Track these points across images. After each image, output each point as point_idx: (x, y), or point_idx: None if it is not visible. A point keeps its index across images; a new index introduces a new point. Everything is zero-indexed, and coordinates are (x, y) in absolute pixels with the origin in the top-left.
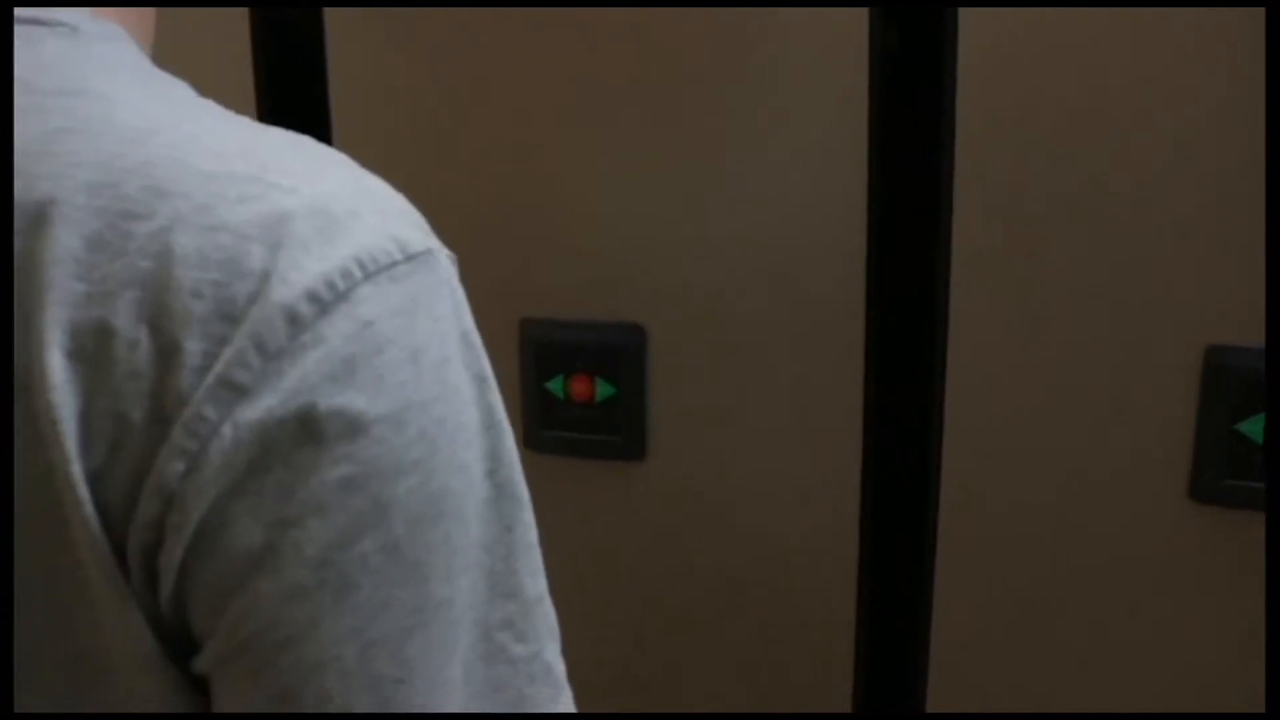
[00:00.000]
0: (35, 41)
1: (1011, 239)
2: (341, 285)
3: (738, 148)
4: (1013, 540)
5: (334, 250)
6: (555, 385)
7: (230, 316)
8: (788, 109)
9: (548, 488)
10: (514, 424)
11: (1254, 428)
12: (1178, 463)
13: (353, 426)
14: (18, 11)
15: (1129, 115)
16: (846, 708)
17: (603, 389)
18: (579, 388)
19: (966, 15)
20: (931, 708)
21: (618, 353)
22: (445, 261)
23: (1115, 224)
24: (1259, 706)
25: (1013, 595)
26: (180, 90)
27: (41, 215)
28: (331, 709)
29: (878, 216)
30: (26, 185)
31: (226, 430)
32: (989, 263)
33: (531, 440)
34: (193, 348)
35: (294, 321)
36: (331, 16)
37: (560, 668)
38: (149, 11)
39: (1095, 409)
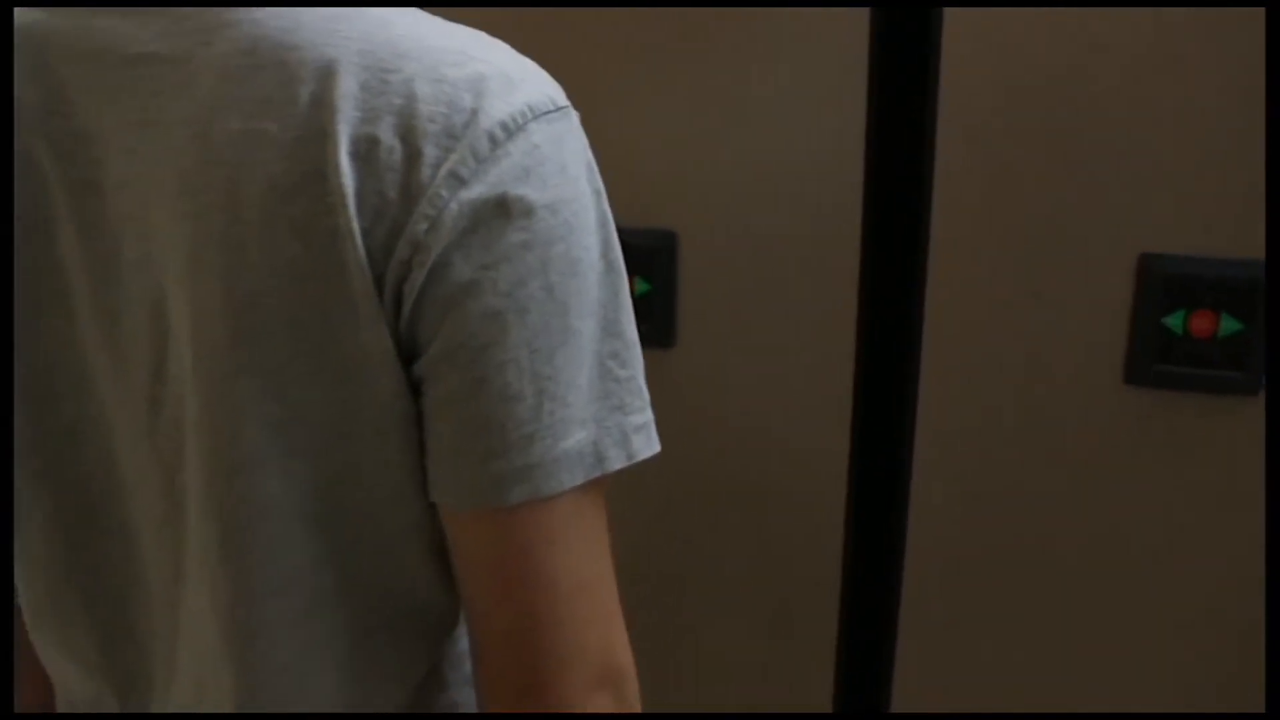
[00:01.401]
0: None
1: (984, 168)
2: (520, 120)
3: (754, 85)
4: (983, 417)
5: (514, 99)
6: None
7: (453, 134)
8: (799, 54)
9: None
10: None
11: (1175, 321)
12: (1115, 351)
13: (527, 208)
14: None
15: (1088, 75)
16: (834, 595)
17: (639, 286)
18: None
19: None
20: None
21: (651, 254)
22: (575, 115)
23: (1067, 157)
24: (1191, 559)
25: (986, 469)
26: None
27: (329, 69)
28: (509, 392)
29: (875, 150)
30: (319, 50)
31: (453, 205)
32: (964, 187)
33: None
34: (430, 153)
35: (493, 140)
36: None
37: (646, 390)
38: None
39: (1048, 308)
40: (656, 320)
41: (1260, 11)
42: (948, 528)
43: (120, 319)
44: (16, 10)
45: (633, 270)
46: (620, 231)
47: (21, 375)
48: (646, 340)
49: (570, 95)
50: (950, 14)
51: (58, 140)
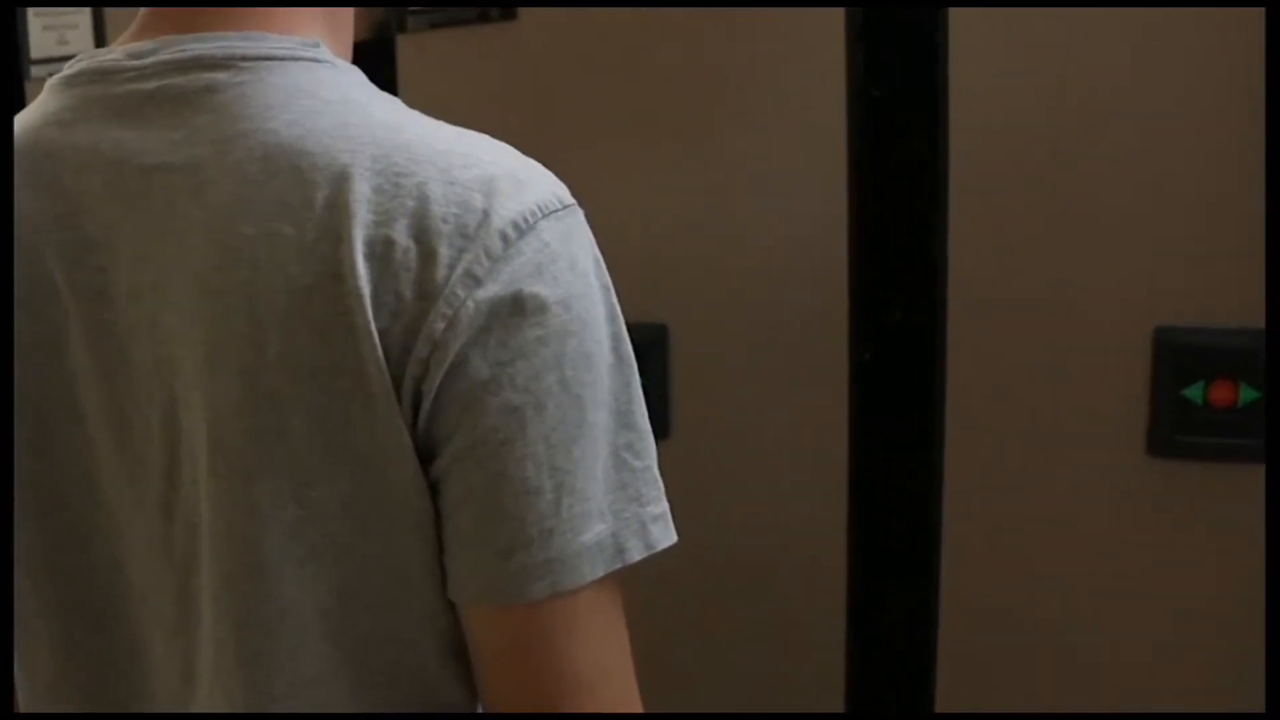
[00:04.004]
0: (314, 71)
1: (998, 245)
2: (530, 219)
3: (743, 176)
4: (1002, 494)
5: (524, 199)
6: None
7: (466, 234)
8: (785, 137)
9: None
10: None
11: (1195, 393)
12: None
13: (541, 305)
14: (304, 50)
15: (1097, 134)
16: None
17: None
18: None
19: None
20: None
21: (642, 348)
22: (581, 212)
23: (1078, 232)
24: (1219, 628)
25: (1011, 528)
26: (398, 102)
27: (343, 174)
28: (529, 486)
29: (868, 230)
30: (332, 156)
31: (470, 303)
32: (975, 263)
33: None
34: (444, 253)
35: (505, 240)
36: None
37: (660, 480)
38: (349, 45)
39: (1064, 381)
40: (650, 412)
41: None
42: (970, 613)
43: (131, 426)
44: (32, 121)
45: None
46: None
47: (28, 483)
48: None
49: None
50: (956, 89)
51: (68, 250)
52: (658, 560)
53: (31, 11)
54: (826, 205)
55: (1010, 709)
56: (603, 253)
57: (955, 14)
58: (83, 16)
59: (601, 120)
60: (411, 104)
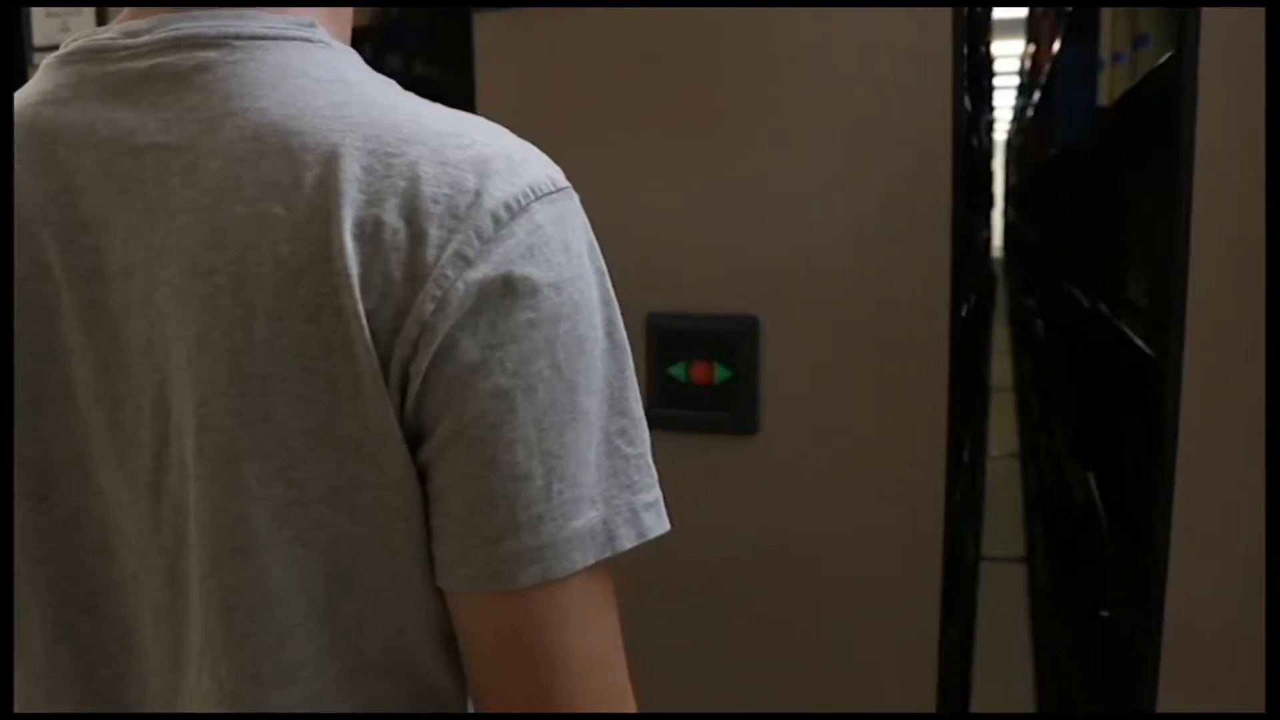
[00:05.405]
0: (308, 50)
1: None
2: (523, 201)
3: (836, 160)
4: None
5: (517, 180)
6: (677, 370)
7: (457, 215)
8: (881, 128)
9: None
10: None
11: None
12: None
13: (532, 287)
14: (297, 30)
15: None
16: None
17: (720, 373)
18: (699, 372)
19: None
20: None
21: (732, 340)
22: (576, 196)
23: None
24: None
25: None
26: (393, 83)
27: (333, 153)
28: (518, 471)
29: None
30: (323, 135)
31: (459, 285)
32: None
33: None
34: (434, 234)
35: (497, 221)
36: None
37: (654, 468)
38: (348, 28)
39: None
40: (738, 407)
41: None
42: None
43: (123, 406)
44: (28, 99)
45: (714, 357)
46: (700, 318)
47: (20, 466)
48: (728, 428)
49: (652, 182)
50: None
51: (62, 230)
52: (742, 559)
53: None
54: (928, 196)
55: None
56: (692, 244)
57: None
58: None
59: (694, 112)
60: (488, 86)
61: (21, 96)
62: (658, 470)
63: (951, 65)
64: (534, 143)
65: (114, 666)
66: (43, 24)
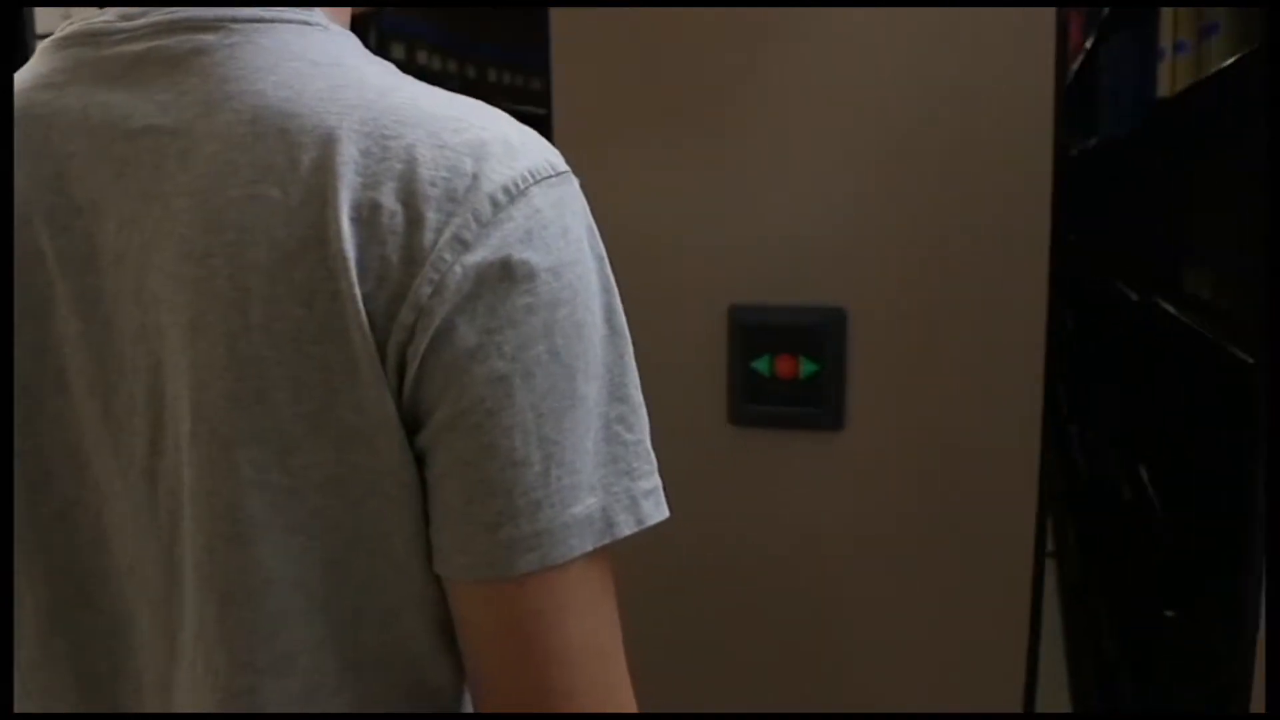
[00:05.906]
0: (305, 34)
1: None
2: (521, 185)
3: (932, 147)
4: None
5: (515, 164)
6: (761, 364)
7: (454, 199)
8: (982, 113)
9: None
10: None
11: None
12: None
13: (531, 272)
14: (295, 13)
15: None
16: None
17: (806, 367)
18: (784, 366)
19: None
20: None
21: (819, 333)
22: (575, 180)
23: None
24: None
25: None
26: (391, 66)
27: (330, 136)
28: (516, 457)
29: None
30: (320, 118)
31: (457, 269)
32: None
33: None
34: (431, 217)
35: (495, 204)
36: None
37: (653, 455)
38: (347, 12)
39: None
40: (825, 402)
41: None
42: None
43: (116, 393)
44: (24, 83)
45: (799, 350)
46: (784, 309)
47: (15, 458)
48: (813, 423)
49: (737, 172)
50: None
51: (56, 215)
52: (830, 556)
53: None
54: (1027, 192)
55: None
56: (776, 234)
57: None
58: None
59: (778, 102)
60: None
61: (17, 81)
62: (744, 466)
63: (1054, 64)
64: (612, 135)
65: (110, 659)
66: (45, 12)
